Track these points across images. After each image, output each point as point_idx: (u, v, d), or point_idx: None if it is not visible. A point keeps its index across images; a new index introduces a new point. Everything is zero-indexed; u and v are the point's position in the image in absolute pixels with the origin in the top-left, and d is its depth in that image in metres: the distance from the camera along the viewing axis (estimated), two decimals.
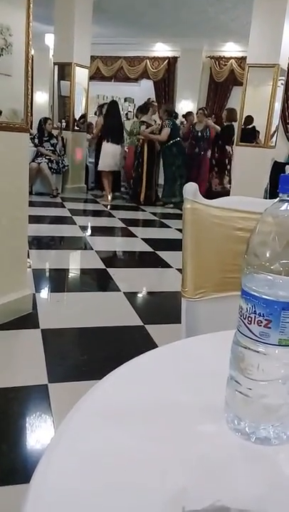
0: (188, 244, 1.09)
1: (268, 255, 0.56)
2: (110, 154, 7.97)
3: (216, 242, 1.11)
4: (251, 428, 0.59)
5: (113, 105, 8.25)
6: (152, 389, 0.70)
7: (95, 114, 9.03)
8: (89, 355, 2.59)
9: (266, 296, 0.55)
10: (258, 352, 0.56)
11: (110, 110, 8.09)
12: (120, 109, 8.67)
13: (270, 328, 0.55)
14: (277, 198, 0.57)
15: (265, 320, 0.55)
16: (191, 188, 1.08)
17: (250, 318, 0.57)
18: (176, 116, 8.72)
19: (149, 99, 9.01)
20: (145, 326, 3.00)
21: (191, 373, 0.75)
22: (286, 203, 0.56)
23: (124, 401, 0.66)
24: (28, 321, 2.89)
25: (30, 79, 2.73)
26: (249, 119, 6.77)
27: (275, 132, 6.91)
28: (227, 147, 8.13)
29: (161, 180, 8.50)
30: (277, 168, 3.93)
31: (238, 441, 0.58)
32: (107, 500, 0.47)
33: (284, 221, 0.56)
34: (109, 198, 8.10)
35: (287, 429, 0.59)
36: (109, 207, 7.68)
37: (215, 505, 0.39)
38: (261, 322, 0.56)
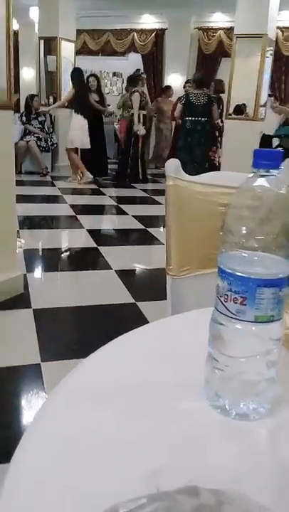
0: (171, 222, 1.08)
1: (242, 232, 0.55)
2: (81, 128, 7.09)
3: (199, 218, 1.10)
4: (231, 404, 0.59)
5: (78, 72, 7.19)
6: (133, 368, 0.70)
7: None
8: (81, 334, 2.60)
9: (241, 274, 0.55)
10: (234, 329, 0.56)
11: (78, 78, 7.15)
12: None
13: (245, 305, 0.55)
14: (251, 173, 0.56)
15: (241, 297, 0.55)
16: (172, 165, 1.06)
17: (226, 296, 0.56)
18: (204, 85, 6.98)
19: (138, 70, 8.46)
20: (137, 303, 3.01)
21: (174, 351, 0.75)
22: (260, 178, 0.55)
23: (104, 380, 0.66)
24: (19, 301, 2.89)
25: (12, 54, 2.66)
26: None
27: (264, 104, 6.84)
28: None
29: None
30: (265, 140, 3.89)
31: (218, 418, 0.59)
32: (82, 482, 0.47)
33: (258, 197, 0.56)
34: (88, 176, 7.31)
35: (265, 403, 0.59)
36: (97, 185, 7.44)
37: (187, 485, 0.39)
38: (237, 299, 0.55)
